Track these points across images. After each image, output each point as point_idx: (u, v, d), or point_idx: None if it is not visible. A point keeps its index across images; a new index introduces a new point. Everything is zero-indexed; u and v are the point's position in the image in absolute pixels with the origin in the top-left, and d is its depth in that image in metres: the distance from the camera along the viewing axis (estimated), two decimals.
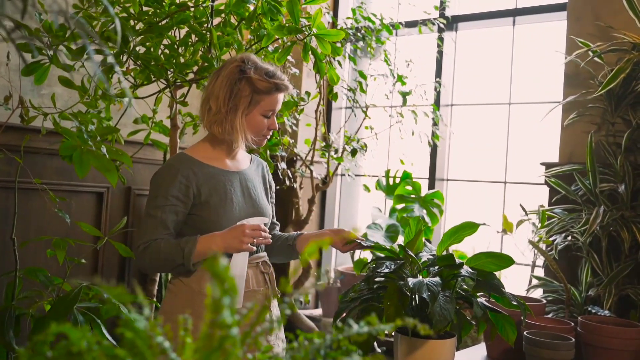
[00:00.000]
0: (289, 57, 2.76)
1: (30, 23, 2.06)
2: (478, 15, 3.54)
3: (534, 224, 2.79)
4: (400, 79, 3.33)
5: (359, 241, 1.82)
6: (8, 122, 2.20)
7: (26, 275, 2.13)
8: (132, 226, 3.10)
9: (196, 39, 2.28)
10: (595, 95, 2.61)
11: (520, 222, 2.82)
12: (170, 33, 2.24)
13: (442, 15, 3.49)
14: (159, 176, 1.77)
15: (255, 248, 1.72)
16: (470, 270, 1.64)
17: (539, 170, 2.89)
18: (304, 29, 2.10)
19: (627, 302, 2.50)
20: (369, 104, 3.43)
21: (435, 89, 3.54)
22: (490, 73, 3.60)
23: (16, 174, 2.16)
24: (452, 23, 3.57)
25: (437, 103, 3.56)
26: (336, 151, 3.38)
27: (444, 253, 1.76)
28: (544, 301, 2.28)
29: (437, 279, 1.56)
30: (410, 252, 1.67)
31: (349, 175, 3.45)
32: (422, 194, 3.53)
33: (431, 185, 3.62)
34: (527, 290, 2.75)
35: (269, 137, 1.88)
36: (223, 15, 2.30)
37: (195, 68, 2.31)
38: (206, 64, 2.23)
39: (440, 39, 3.51)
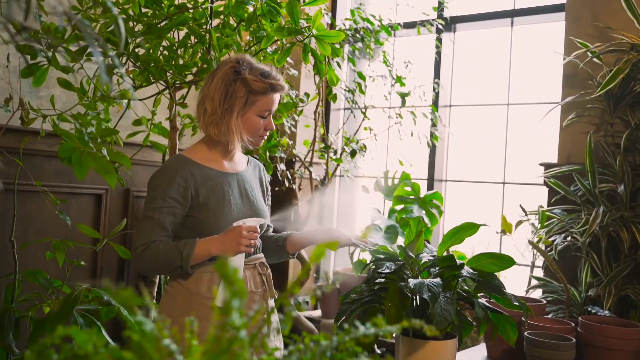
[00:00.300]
0: (287, 59, 2.76)
1: (30, 24, 2.05)
2: (476, 16, 3.55)
3: (533, 224, 2.79)
4: (399, 79, 3.34)
5: (362, 245, 1.82)
6: (6, 125, 2.19)
7: (25, 277, 2.12)
8: (131, 228, 3.10)
9: (195, 40, 2.28)
10: (594, 95, 2.61)
11: (519, 223, 2.82)
12: (169, 34, 2.24)
13: (440, 16, 3.49)
14: (157, 178, 1.76)
15: (252, 250, 1.72)
16: (471, 270, 1.64)
17: (538, 171, 2.90)
18: (303, 30, 2.10)
19: (627, 302, 2.51)
20: (368, 105, 3.43)
21: (434, 89, 3.54)
22: (489, 74, 3.60)
23: (15, 176, 2.15)
24: (450, 24, 3.57)
25: (435, 104, 3.56)
26: (335, 152, 3.37)
27: (445, 254, 1.76)
28: (544, 302, 2.28)
29: (437, 279, 1.56)
30: (411, 253, 1.67)
31: (347, 176, 3.44)
32: (421, 195, 3.53)
33: (430, 186, 3.62)
34: (527, 291, 2.75)
35: (265, 137, 1.88)
36: (222, 16, 2.29)
37: (194, 69, 2.30)
38: (205, 66, 2.23)
39: (439, 39, 3.51)
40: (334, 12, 3.96)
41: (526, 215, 2.80)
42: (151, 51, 2.19)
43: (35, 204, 2.75)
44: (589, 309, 2.46)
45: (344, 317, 1.66)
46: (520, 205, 2.83)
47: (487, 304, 1.68)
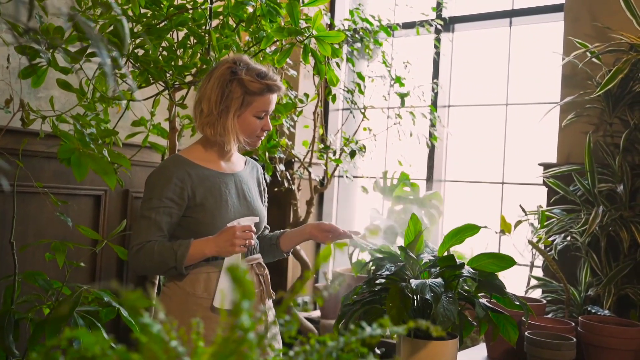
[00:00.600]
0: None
1: (31, 25, 2.04)
2: (475, 17, 3.55)
3: (532, 224, 2.79)
4: (398, 80, 3.34)
5: (360, 242, 1.82)
6: (7, 126, 2.19)
7: (25, 279, 2.12)
8: (129, 229, 3.09)
9: (195, 41, 2.28)
10: (593, 95, 2.62)
11: (518, 223, 2.82)
12: (168, 35, 2.23)
13: (439, 17, 3.49)
14: (154, 178, 1.76)
15: (246, 249, 1.71)
16: (472, 270, 1.64)
17: (537, 171, 2.90)
18: (303, 30, 2.10)
19: (627, 302, 2.51)
20: (367, 106, 3.43)
21: (433, 90, 3.55)
22: (488, 74, 3.60)
23: (15, 177, 2.15)
24: (449, 24, 3.58)
25: (434, 104, 3.57)
26: (334, 153, 3.37)
27: (446, 254, 1.76)
28: (544, 301, 2.28)
29: (439, 280, 1.57)
30: (412, 254, 1.67)
31: (346, 176, 3.44)
32: (420, 195, 3.53)
33: (429, 187, 3.62)
34: (526, 291, 2.75)
35: (262, 138, 1.87)
36: (221, 17, 2.29)
37: (193, 70, 2.30)
38: (205, 66, 2.23)
39: (438, 40, 3.52)
40: (332, 13, 3.96)
41: (526, 215, 2.80)
42: (150, 52, 2.19)
43: (33, 205, 2.75)
44: (589, 308, 2.46)
45: (345, 318, 1.65)
46: (520, 206, 2.83)
47: (488, 304, 1.68)
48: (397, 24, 3.49)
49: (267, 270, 1.90)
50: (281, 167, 3.21)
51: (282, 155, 3.19)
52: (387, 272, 1.63)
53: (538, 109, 3.17)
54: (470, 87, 3.66)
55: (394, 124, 3.48)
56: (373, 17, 3.33)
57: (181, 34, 2.35)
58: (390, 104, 3.63)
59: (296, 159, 3.39)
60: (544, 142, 3.17)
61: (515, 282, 3.06)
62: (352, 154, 3.30)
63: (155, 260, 1.68)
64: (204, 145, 1.84)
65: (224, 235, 1.68)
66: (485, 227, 1.73)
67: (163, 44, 2.26)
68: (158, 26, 2.15)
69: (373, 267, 1.80)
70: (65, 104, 2.80)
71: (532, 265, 2.83)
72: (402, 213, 3.51)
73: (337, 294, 3.50)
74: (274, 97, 1.81)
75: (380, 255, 1.77)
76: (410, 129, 3.44)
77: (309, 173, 3.39)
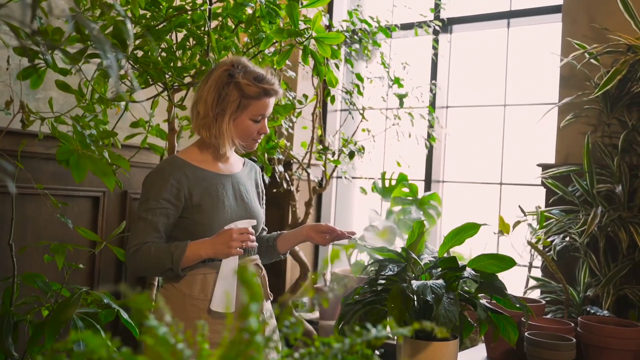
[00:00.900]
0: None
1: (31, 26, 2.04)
2: (473, 18, 3.56)
3: (530, 225, 2.79)
4: (396, 81, 3.34)
5: (359, 242, 1.82)
6: (7, 127, 2.18)
7: (24, 281, 2.11)
8: (128, 231, 3.08)
9: (194, 42, 2.27)
10: (592, 96, 2.62)
11: (517, 223, 2.82)
12: (168, 36, 2.23)
13: (437, 18, 3.50)
14: (151, 179, 1.76)
15: (242, 252, 1.71)
16: (473, 272, 1.65)
17: (535, 172, 2.90)
18: (303, 32, 2.10)
19: (625, 302, 2.52)
20: (366, 107, 3.43)
21: (431, 91, 3.55)
22: (486, 75, 3.61)
23: (14, 179, 2.14)
24: (447, 25, 3.58)
25: (433, 105, 3.57)
26: (333, 154, 3.37)
27: (446, 255, 1.76)
28: (543, 302, 2.28)
29: (440, 281, 1.57)
30: (413, 255, 1.67)
31: (345, 177, 3.44)
32: (419, 196, 3.54)
33: (427, 187, 3.62)
34: (525, 291, 2.76)
35: (259, 141, 1.87)
36: (220, 18, 2.29)
37: (193, 71, 2.30)
38: (204, 68, 2.22)
39: (436, 41, 3.52)
40: (331, 14, 3.96)
41: (525, 215, 2.81)
42: (150, 53, 2.18)
43: (32, 206, 2.74)
44: (588, 309, 2.47)
45: (346, 318, 1.65)
46: (519, 206, 2.84)
47: (489, 305, 1.68)
48: (396, 25, 3.49)
49: (264, 272, 1.90)
50: (280, 168, 3.21)
51: (280, 157, 3.19)
52: (389, 273, 1.63)
53: (536, 110, 3.17)
54: (469, 88, 3.66)
55: (393, 125, 3.48)
56: (372, 18, 3.33)
57: (180, 35, 2.35)
58: (389, 105, 3.64)
59: (295, 160, 3.38)
60: (542, 143, 3.18)
61: (513, 282, 3.07)
62: (351, 155, 3.30)
63: (151, 262, 1.68)
64: (199, 147, 1.84)
65: (221, 237, 1.68)
66: (485, 224, 1.73)
67: (162, 45, 2.26)
68: (157, 27, 2.15)
69: (374, 268, 1.80)
70: (64, 105, 2.79)
71: (530, 266, 2.84)
72: (401, 214, 3.52)
73: (337, 295, 3.50)
74: (271, 101, 1.80)
75: (380, 257, 1.77)
76: (408, 129, 3.44)
77: (308, 174, 3.39)
